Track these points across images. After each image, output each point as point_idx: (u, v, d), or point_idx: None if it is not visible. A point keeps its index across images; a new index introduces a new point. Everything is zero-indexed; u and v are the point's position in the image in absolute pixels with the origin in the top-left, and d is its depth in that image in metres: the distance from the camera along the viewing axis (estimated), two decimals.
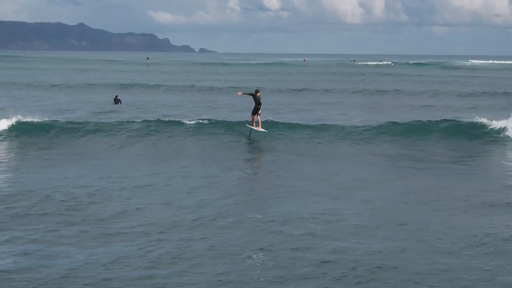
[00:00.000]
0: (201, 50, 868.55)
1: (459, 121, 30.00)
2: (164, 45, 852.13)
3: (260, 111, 27.70)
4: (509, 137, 27.44)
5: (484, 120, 28.82)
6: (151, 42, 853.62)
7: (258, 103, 27.52)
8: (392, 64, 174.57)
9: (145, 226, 13.32)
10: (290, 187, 17.47)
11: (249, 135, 27.77)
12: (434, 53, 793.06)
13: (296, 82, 71.16)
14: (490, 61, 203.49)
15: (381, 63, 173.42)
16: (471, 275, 10.60)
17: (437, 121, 29.69)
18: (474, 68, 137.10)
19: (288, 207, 15.02)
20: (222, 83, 68.64)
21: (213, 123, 29.60)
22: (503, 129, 27.87)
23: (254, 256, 11.33)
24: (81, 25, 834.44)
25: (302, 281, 10.27)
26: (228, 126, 29.12)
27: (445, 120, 29.94)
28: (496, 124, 28.47)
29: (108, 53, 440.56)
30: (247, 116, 31.03)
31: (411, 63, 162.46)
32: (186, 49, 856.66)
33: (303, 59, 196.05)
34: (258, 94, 27.57)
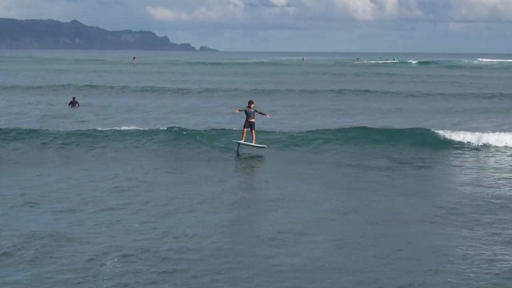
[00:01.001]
0: (202, 48, 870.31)
1: (404, 128, 30.23)
2: (163, 44, 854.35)
3: (253, 125, 27.00)
4: (461, 145, 27.64)
5: (435, 129, 28.98)
6: (149, 40, 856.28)
7: (251, 117, 26.81)
8: (395, 61, 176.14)
9: None
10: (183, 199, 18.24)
11: (237, 151, 26.87)
12: (450, 51, 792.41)
13: (276, 84, 71.85)
14: (497, 60, 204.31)
15: (388, 61, 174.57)
16: None
17: (381, 128, 30.17)
18: (475, 67, 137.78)
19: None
20: (199, 84, 69.40)
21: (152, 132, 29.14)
22: (451, 138, 28.08)
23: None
24: (74, 22, 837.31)
25: None
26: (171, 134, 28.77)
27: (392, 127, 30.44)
28: (446, 133, 28.61)
29: (101, 52, 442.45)
30: (209, 121, 31.49)
31: (413, 62, 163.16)
32: (186, 47, 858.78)
33: (302, 59, 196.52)
34: (252, 106, 26.93)
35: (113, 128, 29.99)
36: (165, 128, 29.27)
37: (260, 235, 14.23)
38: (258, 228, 14.94)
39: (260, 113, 27.15)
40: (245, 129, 26.90)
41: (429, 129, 29.40)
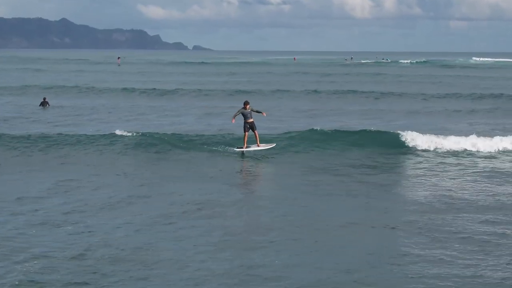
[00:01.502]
0: (195, 47, 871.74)
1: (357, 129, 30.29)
2: (154, 42, 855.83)
3: (254, 126, 26.33)
4: (415, 149, 27.73)
5: (400, 131, 29.04)
6: (140, 39, 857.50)
7: (248, 118, 26.14)
8: (388, 61, 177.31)
9: None
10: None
11: (243, 154, 26.28)
12: (451, 50, 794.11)
13: (254, 84, 72.17)
14: (493, 59, 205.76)
15: (383, 60, 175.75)
16: None
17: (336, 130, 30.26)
18: (467, 66, 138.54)
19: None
20: (178, 84, 69.59)
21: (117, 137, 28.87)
22: (410, 141, 28.15)
23: None
24: (63, 20, 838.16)
25: None
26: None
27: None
28: (409, 135, 28.62)
29: (90, 51, 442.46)
30: (176, 123, 31.64)
31: (405, 62, 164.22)
32: (179, 46, 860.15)
33: (293, 58, 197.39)
34: (247, 107, 26.13)
35: (76, 133, 30.01)
36: (124, 132, 29.04)
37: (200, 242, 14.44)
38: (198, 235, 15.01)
39: (257, 111, 26.45)
40: (246, 133, 26.18)
41: (393, 132, 29.43)
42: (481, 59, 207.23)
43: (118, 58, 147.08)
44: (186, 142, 28.08)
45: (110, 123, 36.30)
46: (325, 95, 57.56)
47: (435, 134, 28.82)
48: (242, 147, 26.37)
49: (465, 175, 22.80)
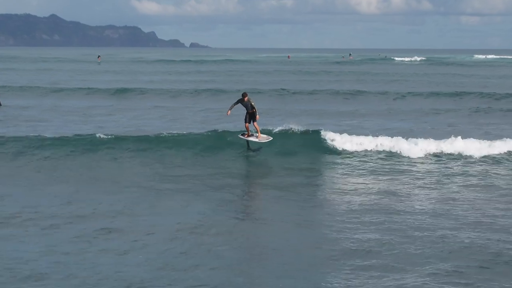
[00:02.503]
0: (192, 45, 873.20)
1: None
2: (149, 40, 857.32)
3: (257, 117, 26.95)
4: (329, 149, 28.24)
5: (325, 131, 29.50)
6: (134, 36, 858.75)
7: (249, 108, 26.84)
8: (385, 57, 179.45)
9: None
10: None
11: (248, 147, 27.56)
12: (462, 47, 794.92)
13: (221, 83, 73.24)
14: (493, 56, 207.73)
15: (386, 58, 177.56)
16: None
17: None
18: (462, 64, 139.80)
19: None
20: (150, 84, 70.40)
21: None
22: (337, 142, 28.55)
23: None
24: (53, 16, 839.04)
25: None
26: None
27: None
28: (337, 137, 28.91)
29: (79, 49, 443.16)
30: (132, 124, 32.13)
31: (397, 59, 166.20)
32: (175, 43, 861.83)
33: (287, 56, 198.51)
34: (246, 98, 26.74)
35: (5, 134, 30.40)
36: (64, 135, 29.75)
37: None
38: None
39: (253, 108, 26.70)
40: (247, 124, 27.09)
41: (312, 131, 29.97)
42: (487, 56, 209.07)
43: (99, 56, 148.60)
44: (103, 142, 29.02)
45: (75, 124, 37.29)
46: (288, 94, 58.50)
47: (364, 135, 29.33)
48: (245, 134, 27.33)
49: (372, 175, 24.01)
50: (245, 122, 27.09)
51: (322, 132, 29.42)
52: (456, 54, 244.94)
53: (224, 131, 30.24)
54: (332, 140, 28.76)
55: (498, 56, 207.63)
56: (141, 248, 14.76)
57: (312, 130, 29.98)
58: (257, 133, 27.38)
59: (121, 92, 59.27)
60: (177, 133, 29.74)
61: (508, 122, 40.24)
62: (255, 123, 27.04)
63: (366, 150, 27.90)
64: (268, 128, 29.66)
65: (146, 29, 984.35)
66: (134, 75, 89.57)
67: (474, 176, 23.93)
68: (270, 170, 24.99)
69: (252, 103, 26.73)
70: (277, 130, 29.71)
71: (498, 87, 67.52)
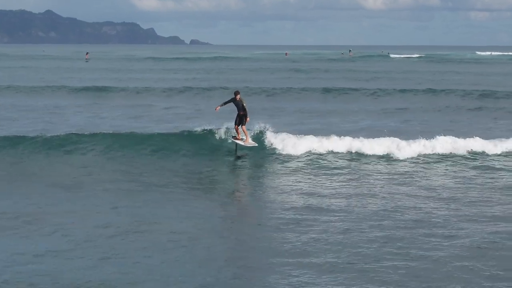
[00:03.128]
0: (193, 42, 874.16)
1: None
2: (148, 37, 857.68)
3: (247, 119, 26.28)
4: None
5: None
6: (133, 33, 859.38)
7: (240, 109, 26.14)
8: (388, 54, 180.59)
9: None
10: None
11: (236, 152, 27.03)
12: (471, 44, 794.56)
13: (211, 81, 73.91)
14: (498, 53, 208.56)
15: (389, 55, 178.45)
16: None
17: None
18: (460, 61, 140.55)
19: None
20: (118, 82, 71.03)
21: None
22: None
23: None
24: (48, 12, 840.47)
25: None
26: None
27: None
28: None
29: (76, 46, 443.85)
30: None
31: (393, 56, 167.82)
32: (175, 40, 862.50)
33: (285, 53, 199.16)
34: (238, 97, 26.04)
35: None
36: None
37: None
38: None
39: (244, 108, 26.16)
40: (237, 126, 26.53)
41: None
42: (493, 53, 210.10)
43: (87, 53, 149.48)
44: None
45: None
46: (256, 93, 59.05)
47: (313, 135, 29.43)
48: (236, 137, 26.85)
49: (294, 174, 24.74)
50: (235, 124, 26.56)
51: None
52: (460, 51, 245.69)
53: (182, 131, 30.41)
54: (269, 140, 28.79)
55: (503, 53, 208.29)
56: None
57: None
58: (245, 137, 26.71)
59: (95, 90, 60.00)
60: (112, 131, 30.33)
61: (472, 121, 41.03)
62: (243, 126, 26.37)
63: (309, 151, 28.08)
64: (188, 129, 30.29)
65: (145, 26, 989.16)
66: (117, 73, 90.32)
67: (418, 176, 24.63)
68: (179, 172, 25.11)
69: (244, 104, 26.09)
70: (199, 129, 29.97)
71: (482, 85, 68.00)
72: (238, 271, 13.89)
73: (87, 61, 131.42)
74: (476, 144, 28.55)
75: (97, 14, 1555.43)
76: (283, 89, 60.65)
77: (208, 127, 29.62)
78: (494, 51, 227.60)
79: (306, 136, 29.01)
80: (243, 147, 27.13)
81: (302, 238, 15.89)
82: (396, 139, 28.68)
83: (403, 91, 59.64)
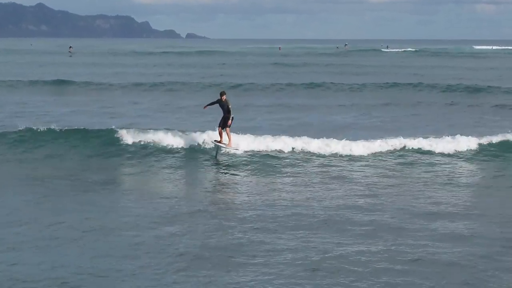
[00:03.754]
0: (189, 35, 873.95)
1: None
2: (143, 30, 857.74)
3: (230, 122, 25.85)
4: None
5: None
6: (127, 27, 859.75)
7: (225, 111, 25.79)
8: (387, 48, 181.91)
9: None
10: None
11: (216, 156, 26.34)
12: (476, 38, 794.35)
13: (186, 76, 73.92)
14: (498, 47, 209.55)
15: (387, 50, 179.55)
16: None
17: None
18: (454, 55, 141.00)
19: None
20: (94, 76, 71.12)
21: None
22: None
23: None
24: (39, 5, 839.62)
25: None
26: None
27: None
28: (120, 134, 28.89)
29: (67, 40, 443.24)
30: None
31: (385, 50, 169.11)
32: (171, 34, 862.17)
33: (278, 48, 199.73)
34: (224, 98, 25.74)
35: None
36: None
37: None
38: None
39: (228, 110, 25.74)
40: (220, 128, 26.08)
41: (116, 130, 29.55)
42: (493, 47, 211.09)
43: (70, 47, 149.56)
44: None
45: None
46: (233, 87, 59.05)
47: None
48: (219, 141, 26.24)
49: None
50: (219, 126, 26.13)
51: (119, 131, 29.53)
52: (462, 45, 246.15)
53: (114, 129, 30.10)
54: (122, 138, 28.64)
55: (506, 47, 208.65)
56: None
57: (104, 128, 30.04)
58: (228, 140, 26.12)
59: (58, 84, 60.12)
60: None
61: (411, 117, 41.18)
62: (227, 129, 25.88)
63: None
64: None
65: (139, 19, 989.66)
66: (95, 67, 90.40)
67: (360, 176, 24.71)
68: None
69: (229, 106, 25.71)
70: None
71: (465, 79, 67.87)
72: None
73: (70, 56, 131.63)
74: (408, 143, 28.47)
75: (90, 7, 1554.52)
76: (260, 85, 60.68)
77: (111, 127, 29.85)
78: (499, 45, 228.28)
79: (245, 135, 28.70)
80: (224, 150, 26.41)
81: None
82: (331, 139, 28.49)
83: (374, 85, 59.97)
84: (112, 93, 55.31)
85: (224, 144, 26.13)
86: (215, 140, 26.58)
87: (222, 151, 26.32)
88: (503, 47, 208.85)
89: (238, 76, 73.88)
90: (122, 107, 45.33)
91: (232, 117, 25.84)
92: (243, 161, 25.97)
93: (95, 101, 48.31)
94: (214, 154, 26.40)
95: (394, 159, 26.87)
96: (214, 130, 27.49)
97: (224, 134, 26.07)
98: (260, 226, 16.98)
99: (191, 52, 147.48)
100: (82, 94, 54.33)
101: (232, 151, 26.48)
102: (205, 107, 26.85)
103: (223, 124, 25.85)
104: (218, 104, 25.96)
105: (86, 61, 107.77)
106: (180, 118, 38.72)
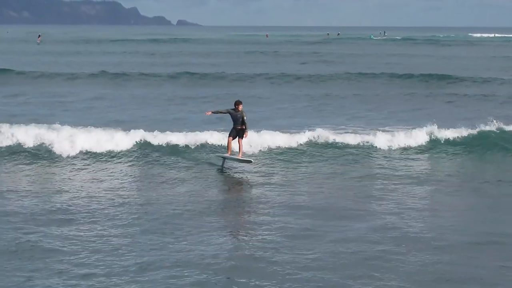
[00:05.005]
0: (180, 22, 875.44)
1: None
2: (131, 16, 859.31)
3: (246, 134, 24.33)
4: None
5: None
6: (114, 13, 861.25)
7: (241, 122, 24.08)
8: (384, 35, 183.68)
9: None
10: None
11: (222, 166, 24.62)
12: (484, 25, 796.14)
13: (146, 66, 73.84)
14: (498, 34, 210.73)
15: (384, 36, 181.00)
16: None
17: None
18: (444, 44, 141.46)
19: None
20: (51, 66, 70.69)
21: None
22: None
23: None
24: None
25: None
26: None
27: None
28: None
29: (51, 27, 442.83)
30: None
31: (375, 38, 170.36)
32: (161, 21, 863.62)
33: (266, 35, 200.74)
34: (239, 108, 24.05)
35: None
36: None
37: None
38: None
39: (243, 122, 24.09)
40: (230, 138, 24.32)
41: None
42: (496, 35, 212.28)
43: (39, 36, 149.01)
44: None
45: None
46: (190, 78, 58.82)
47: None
48: (225, 154, 24.69)
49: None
50: (229, 136, 24.42)
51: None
52: (460, 33, 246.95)
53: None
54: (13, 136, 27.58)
55: (506, 35, 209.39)
56: None
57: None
58: (239, 151, 24.43)
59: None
60: None
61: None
62: (240, 139, 24.33)
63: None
64: None
65: (127, 5, 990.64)
66: (56, 56, 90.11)
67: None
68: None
69: (244, 117, 24.04)
70: None
71: (439, 68, 67.77)
72: None
73: (38, 44, 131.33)
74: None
75: None
76: (210, 74, 60.36)
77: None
78: (504, 33, 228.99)
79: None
80: (235, 160, 24.66)
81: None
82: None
83: (336, 75, 59.96)
84: (47, 83, 54.78)
85: (234, 155, 24.50)
86: (221, 156, 25.03)
87: (233, 158, 24.69)
88: (507, 35, 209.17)
89: (204, 65, 73.60)
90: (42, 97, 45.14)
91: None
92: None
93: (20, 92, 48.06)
94: (220, 166, 24.78)
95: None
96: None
97: (233, 142, 24.47)
98: None
99: (172, 39, 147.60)
100: (10, 84, 53.88)
101: (242, 164, 24.75)
102: (209, 113, 25.52)
103: (235, 134, 24.30)
104: (229, 115, 24.38)
105: (50, 50, 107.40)
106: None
